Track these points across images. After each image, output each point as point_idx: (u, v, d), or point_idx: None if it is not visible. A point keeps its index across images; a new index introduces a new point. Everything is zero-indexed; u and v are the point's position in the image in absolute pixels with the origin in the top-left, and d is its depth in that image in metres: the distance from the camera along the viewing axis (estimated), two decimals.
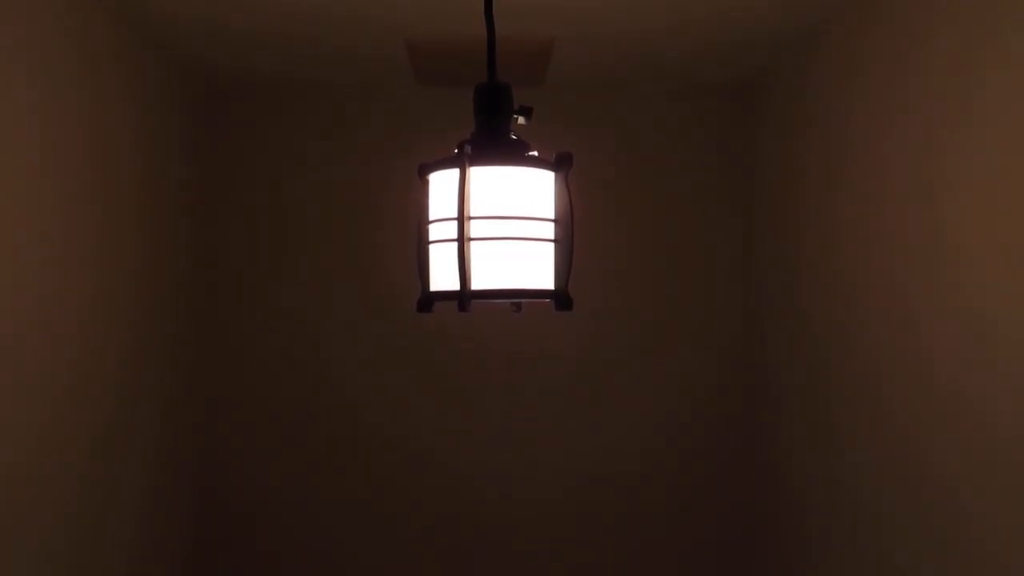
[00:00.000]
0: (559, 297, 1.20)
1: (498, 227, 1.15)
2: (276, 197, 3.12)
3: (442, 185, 1.19)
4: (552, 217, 1.20)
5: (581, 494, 3.12)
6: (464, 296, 1.13)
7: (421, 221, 1.22)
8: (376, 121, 3.14)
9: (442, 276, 1.19)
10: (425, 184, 1.23)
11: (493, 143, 1.22)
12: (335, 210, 3.12)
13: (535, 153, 1.23)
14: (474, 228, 1.14)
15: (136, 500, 2.45)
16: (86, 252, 2.16)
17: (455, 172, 1.17)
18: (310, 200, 3.12)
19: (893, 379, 2.11)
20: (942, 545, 1.90)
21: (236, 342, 3.09)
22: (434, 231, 1.21)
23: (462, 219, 1.12)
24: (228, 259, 3.10)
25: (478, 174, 1.15)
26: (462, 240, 1.12)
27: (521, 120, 1.31)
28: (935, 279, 1.92)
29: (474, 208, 1.15)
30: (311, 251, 3.11)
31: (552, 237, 1.20)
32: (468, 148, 1.15)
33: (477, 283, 1.14)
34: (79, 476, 2.12)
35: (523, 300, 1.22)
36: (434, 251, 1.21)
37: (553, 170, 1.21)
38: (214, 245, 3.10)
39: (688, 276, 3.16)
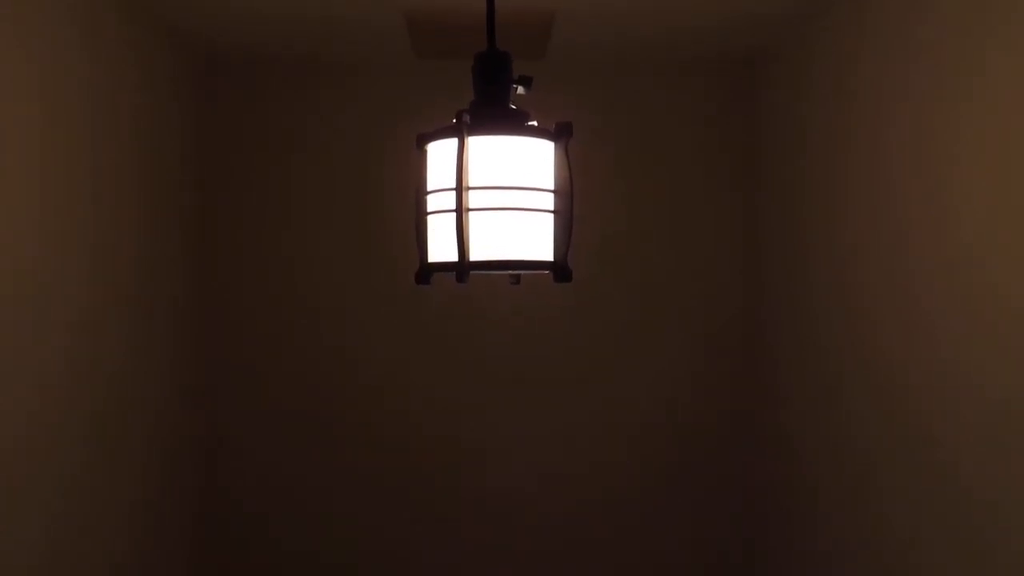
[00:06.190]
0: (558, 269, 1.19)
1: (497, 198, 1.14)
2: (276, 171, 3.10)
3: (440, 155, 1.18)
4: (551, 188, 1.19)
5: (583, 463, 3.13)
6: (462, 267, 1.12)
7: (419, 192, 1.21)
8: (375, 95, 3.12)
9: (440, 247, 1.18)
10: (423, 154, 1.22)
11: (492, 112, 1.20)
12: (335, 183, 3.10)
13: (534, 123, 1.21)
14: (473, 199, 1.13)
15: (137, 485, 2.46)
16: (86, 228, 2.14)
17: (453, 142, 1.16)
18: (310, 173, 3.10)
19: (897, 354, 2.10)
20: (944, 519, 1.91)
21: (236, 315, 3.08)
22: (432, 202, 1.19)
23: (460, 189, 1.11)
24: (227, 235, 3.08)
25: (477, 144, 1.14)
26: (460, 211, 1.11)
27: (521, 90, 1.29)
28: (941, 253, 1.91)
29: (473, 178, 1.13)
30: (311, 225, 3.10)
31: (551, 208, 1.19)
32: (467, 117, 1.14)
33: (475, 254, 1.13)
34: (79, 456, 2.11)
35: (522, 272, 1.21)
36: (432, 222, 1.19)
37: (553, 140, 1.19)
38: (214, 220, 3.08)
39: (690, 248, 3.14)
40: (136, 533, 2.45)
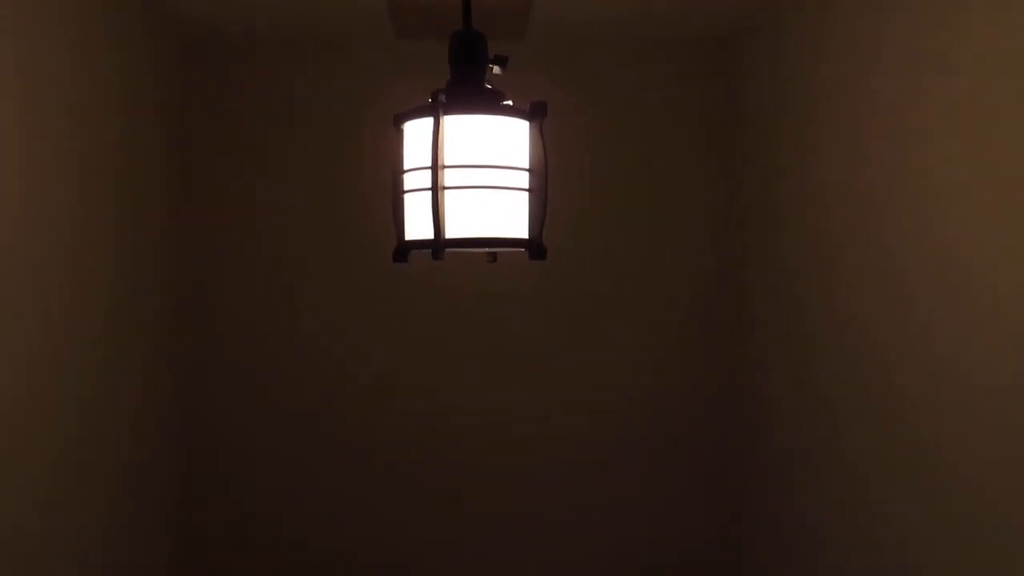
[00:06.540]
0: (533, 246, 1.21)
1: (472, 176, 1.16)
2: (255, 150, 3.09)
3: (417, 134, 1.19)
4: (526, 166, 1.21)
5: (562, 437, 3.16)
6: (438, 245, 1.14)
7: (396, 170, 1.23)
8: (355, 75, 3.11)
9: (417, 225, 1.19)
10: (400, 133, 1.23)
11: (467, 92, 1.22)
12: (314, 162, 3.10)
13: (510, 102, 1.23)
14: (448, 177, 1.15)
15: (118, 461, 2.45)
16: (65, 204, 2.13)
17: (429, 121, 1.17)
18: (289, 152, 3.10)
19: (873, 326, 2.14)
20: (919, 489, 1.95)
21: (215, 295, 3.08)
22: (409, 180, 1.21)
23: (436, 168, 1.13)
24: (207, 212, 3.08)
25: (452, 123, 1.15)
26: (436, 189, 1.13)
27: (496, 69, 1.31)
28: (916, 224, 1.95)
29: (448, 157, 1.15)
30: (290, 203, 3.10)
31: (526, 186, 1.21)
32: (442, 97, 1.15)
33: (451, 232, 1.15)
34: (59, 435, 2.11)
35: (497, 249, 1.23)
36: (409, 200, 1.21)
37: (527, 119, 1.21)
38: (193, 198, 3.07)
39: (670, 225, 3.17)
40: (119, 508, 2.46)
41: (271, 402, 3.10)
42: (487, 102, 1.18)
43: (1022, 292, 1.56)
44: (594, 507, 3.17)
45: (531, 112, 1.21)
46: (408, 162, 1.21)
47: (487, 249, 1.27)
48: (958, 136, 1.76)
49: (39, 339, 2.02)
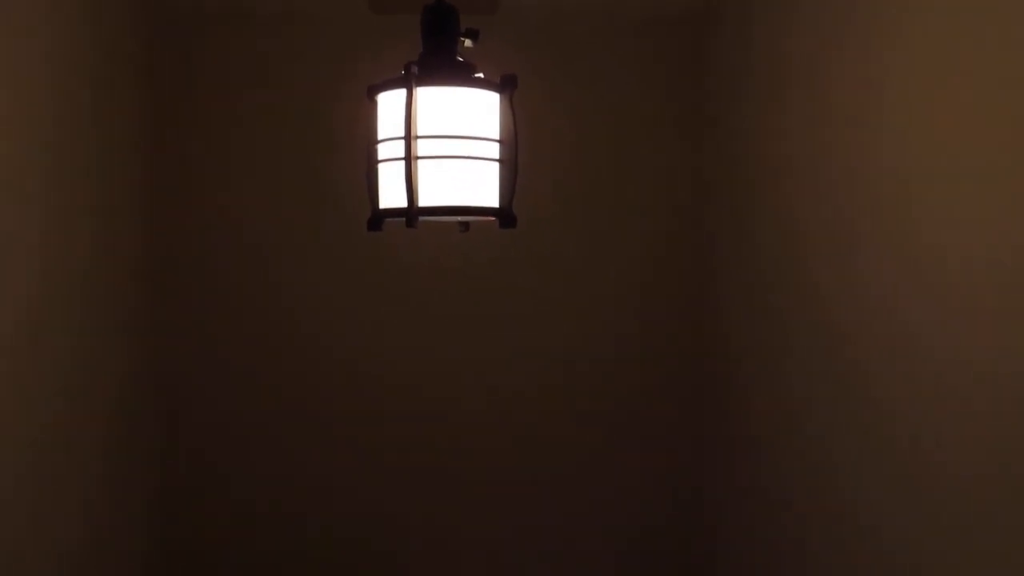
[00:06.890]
0: (503, 215, 1.24)
1: (445, 146, 1.19)
2: (230, 122, 3.08)
3: (390, 105, 1.22)
4: (497, 137, 1.24)
5: (533, 405, 3.21)
6: (411, 213, 1.17)
7: (370, 141, 1.26)
8: (331, 50, 3.10)
9: (391, 194, 1.23)
10: (374, 105, 1.26)
11: (439, 64, 1.25)
12: (288, 136, 3.10)
13: (481, 75, 1.26)
14: (421, 147, 1.18)
15: (97, 445, 2.44)
16: (40, 178, 2.12)
17: (403, 92, 1.20)
18: (263, 126, 3.09)
19: (834, 300, 2.20)
20: (878, 452, 2.03)
21: (190, 270, 3.08)
22: (382, 150, 1.24)
23: (409, 138, 1.16)
24: (181, 192, 3.07)
25: (425, 94, 1.18)
26: (409, 159, 1.16)
27: (468, 43, 1.34)
28: (876, 201, 2.01)
29: (421, 127, 1.18)
30: (265, 181, 3.09)
31: (497, 157, 1.24)
32: (415, 69, 1.18)
33: (424, 200, 1.18)
34: (35, 435, 2.07)
35: (469, 218, 1.27)
36: (383, 170, 1.24)
37: (498, 91, 1.25)
38: (167, 174, 3.06)
39: (638, 199, 3.20)
40: (96, 495, 2.47)
41: (252, 384, 3.12)
42: (459, 74, 1.21)
43: (984, 268, 1.62)
44: (573, 478, 3.23)
45: (502, 84, 1.24)
46: (382, 132, 1.24)
47: (459, 218, 1.31)
48: (917, 116, 1.81)
49: (12, 331, 2.01)
